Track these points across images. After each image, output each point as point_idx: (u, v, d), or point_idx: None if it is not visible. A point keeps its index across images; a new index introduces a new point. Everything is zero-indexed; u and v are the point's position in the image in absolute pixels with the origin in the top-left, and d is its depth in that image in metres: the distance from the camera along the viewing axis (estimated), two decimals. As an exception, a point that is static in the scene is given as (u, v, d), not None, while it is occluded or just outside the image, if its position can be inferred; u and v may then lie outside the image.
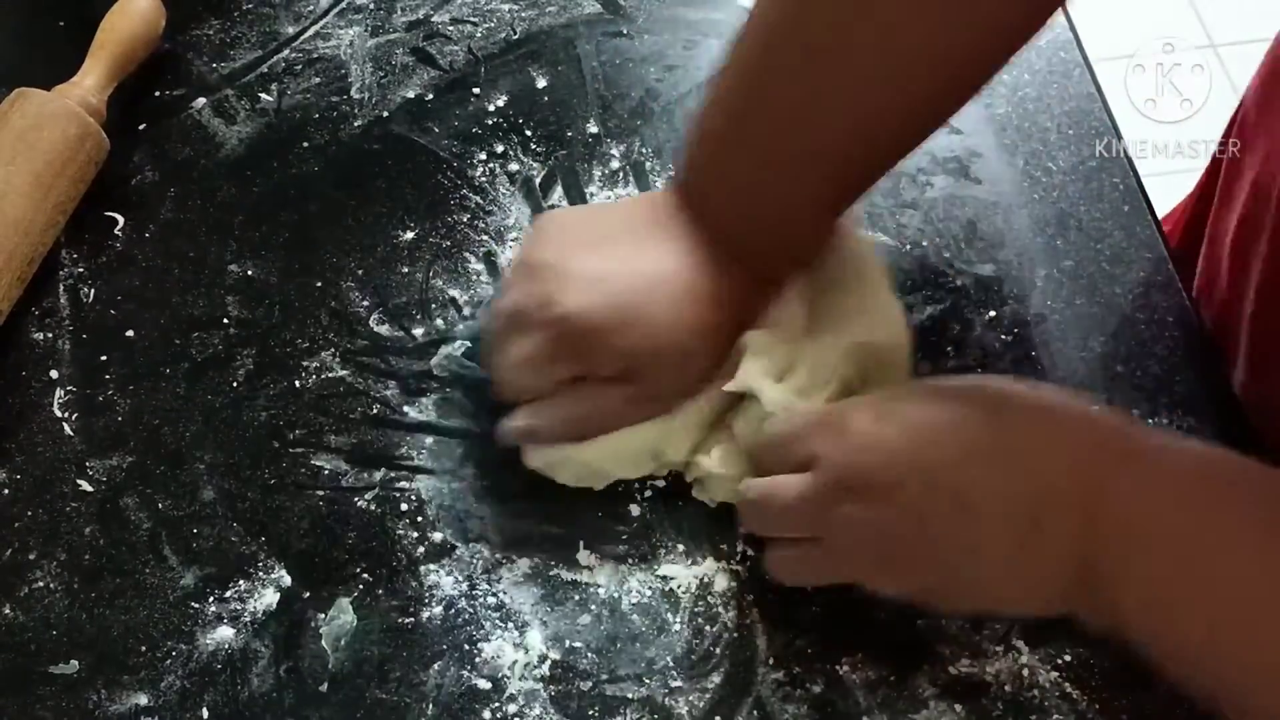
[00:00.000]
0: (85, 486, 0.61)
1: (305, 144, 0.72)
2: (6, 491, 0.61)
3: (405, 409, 0.63)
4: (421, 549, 0.58)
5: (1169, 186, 0.83)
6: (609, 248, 0.56)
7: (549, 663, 0.55)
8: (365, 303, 0.66)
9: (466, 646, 0.56)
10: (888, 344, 0.56)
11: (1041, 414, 0.48)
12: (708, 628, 0.55)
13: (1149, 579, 0.45)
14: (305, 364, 0.64)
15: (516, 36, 0.76)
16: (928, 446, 0.48)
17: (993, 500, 0.47)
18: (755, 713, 0.53)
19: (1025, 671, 0.54)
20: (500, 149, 0.71)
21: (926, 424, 0.49)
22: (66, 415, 0.63)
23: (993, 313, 0.63)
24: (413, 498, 0.60)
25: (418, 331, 0.65)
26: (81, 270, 0.68)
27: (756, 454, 0.55)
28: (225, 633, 0.57)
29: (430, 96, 0.74)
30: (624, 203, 0.67)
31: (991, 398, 0.49)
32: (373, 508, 0.60)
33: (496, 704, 0.54)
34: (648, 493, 0.59)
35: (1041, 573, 0.47)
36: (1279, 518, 0.45)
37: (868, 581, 0.52)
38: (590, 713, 0.54)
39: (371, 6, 0.78)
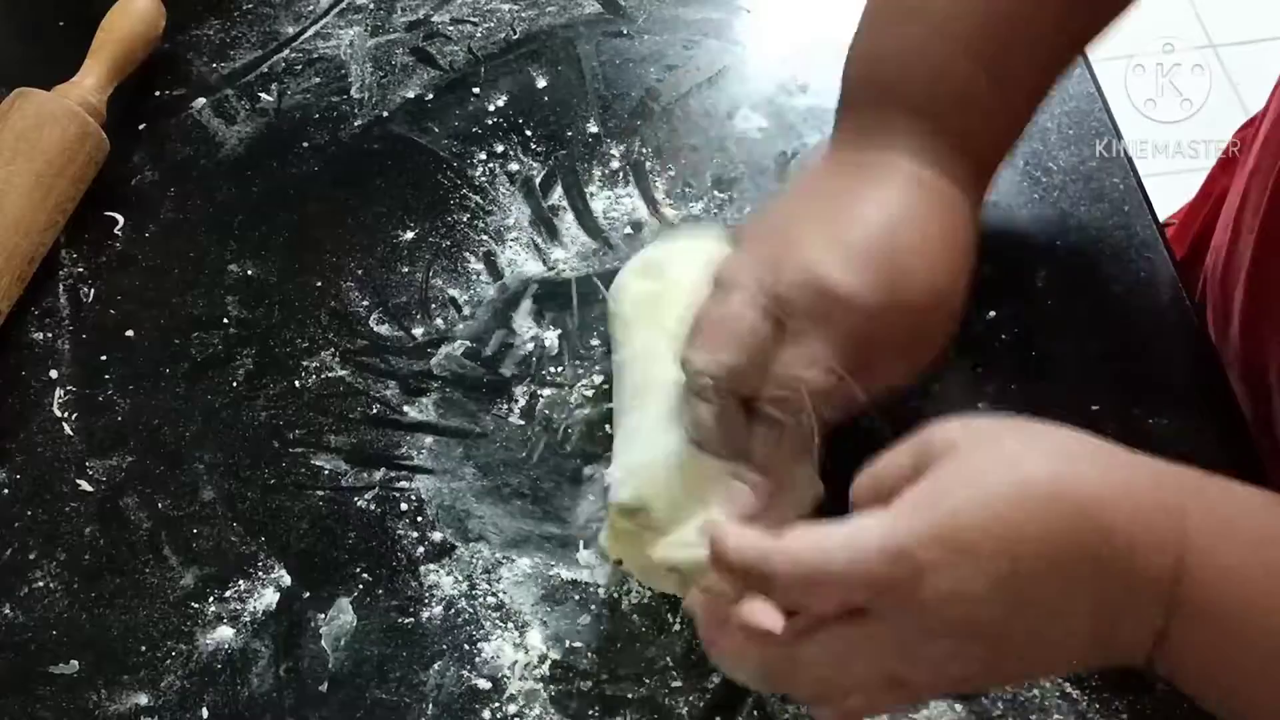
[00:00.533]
0: (85, 486, 0.61)
1: (305, 144, 0.72)
2: (6, 491, 0.61)
3: (405, 409, 0.63)
4: (421, 549, 0.58)
5: (1169, 186, 0.83)
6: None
7: (549, 663, 0.55)
8: (365, 303, 0.66)
9: (466, 646, 0.56)
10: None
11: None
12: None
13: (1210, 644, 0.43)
14: (305, 364, 0.64)
15: (516, 36, 0.76)
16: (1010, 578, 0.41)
17: (1070, 614, 0.43)
18: (755, 713, 0.53)
19: (1025, 671, 0.54)
20: (500, 149, 0.71)
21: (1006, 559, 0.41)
22: (66, 415, 0.63)
23: (993, 313, 0.63)
24: (413, 498, 0.60)
25: (418, 331, 0.65)
26: (81, 270, 0.68)
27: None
28: (225, 633, 0.57)
29: (430, 96, 0.74)
30: (807, 180, 0.59)
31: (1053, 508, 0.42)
32: (373, 508, 0.60)
33: (496, 704, 0.54)
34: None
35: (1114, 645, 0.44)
36: None
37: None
38: (590, 713, 0.54)
39: (371, 6, 0.78)
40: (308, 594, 0.57)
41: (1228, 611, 0.42)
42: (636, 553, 0.53)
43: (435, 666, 0.55)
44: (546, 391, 0.62)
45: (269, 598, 0.57)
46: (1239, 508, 0.45)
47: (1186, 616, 0.42)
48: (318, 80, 0.75)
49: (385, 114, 0.73)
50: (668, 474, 0.51)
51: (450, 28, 0.77)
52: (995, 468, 0.42)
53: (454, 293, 0.66)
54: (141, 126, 0.73)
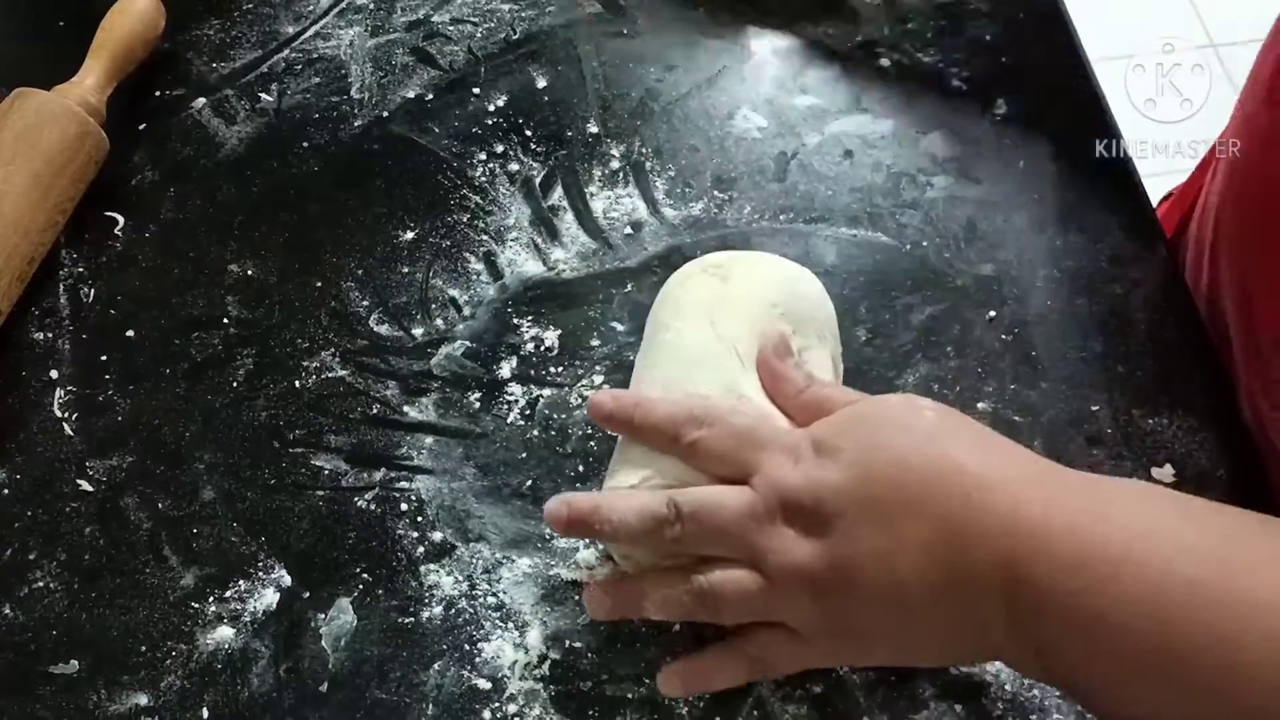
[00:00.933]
0: (85, 486, 0.61)
1: (305, 144, 0.72)
2: (6, 491, 0.61)
3: (405, 409, 0.63)
4: (421, 549, 0.58)
5: (1169, 187, 0.83)
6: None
7: (549, 663, 0.55)
8: (365, 303, 0.66)
9: (466, 646, 0.56)
10: None
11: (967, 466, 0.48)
12: (708, 628, 0.55)
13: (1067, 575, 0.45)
14: (305, 364, 0.64)
15: (516, 36, 0.76)
16: (870, 486, 0.48)
17: (916, 548, 0.47)
18: (755, 713, 0.53)
19: (1025, 671, 0.54)
20: (500, 149, 0.71)
21: (874, 464, 0.48)
22: (66, 415, 0.63)
23: (993, 313, 0.63)
24: (413, 498, 0.60)
25: (418, 331, 0.65)
26: (81, 270, 0.68)
27: (693, 455, 0.52)
28: (225, 633, 0.57)
29: (430, 96, 0.74)
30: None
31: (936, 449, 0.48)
32: (373, 508, 0.60)
33: (496, 704, 0.54)
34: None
35: (967, 616, 0.47)
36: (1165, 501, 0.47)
37: (796, 619, 0.50)
38: (590, 713, 0.54)
39: (371, 6, 0.78)
40: (308, 594, 0.57)
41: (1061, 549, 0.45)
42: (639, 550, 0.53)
43: (435, 666, 0.55)
44: (546, 391, 0.62)
45: (269, 598, 0.57)
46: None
47: (1027, 551, 0.45)
48: (318, 80, 0.75)
49: (385, 114, 0.73)
50: (674, 467, 0.52)
51: (450, 28, 0.77)
52: (886, 408, 0.51)
53: (454, 293, 0.66)
54: (141, 126, 0.73)
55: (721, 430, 0.51)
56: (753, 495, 0.50)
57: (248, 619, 0.57)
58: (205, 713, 0.55)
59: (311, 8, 0.78)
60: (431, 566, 0.58)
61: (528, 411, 0.62)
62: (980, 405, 0.60)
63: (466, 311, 0.66)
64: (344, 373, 0.64)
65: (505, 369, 0.63)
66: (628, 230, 0.68)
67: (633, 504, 0.51)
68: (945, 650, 0.50)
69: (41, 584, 0.58)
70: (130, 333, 0.66)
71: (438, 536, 0.59)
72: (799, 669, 0.53)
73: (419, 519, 0.59)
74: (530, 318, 0.65)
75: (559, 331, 0.64)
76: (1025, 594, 0.45)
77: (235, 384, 0.64)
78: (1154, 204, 0.69)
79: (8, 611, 0.58)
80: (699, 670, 0.53)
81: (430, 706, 0.54)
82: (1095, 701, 0.48)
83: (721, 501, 0.50)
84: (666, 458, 0.53)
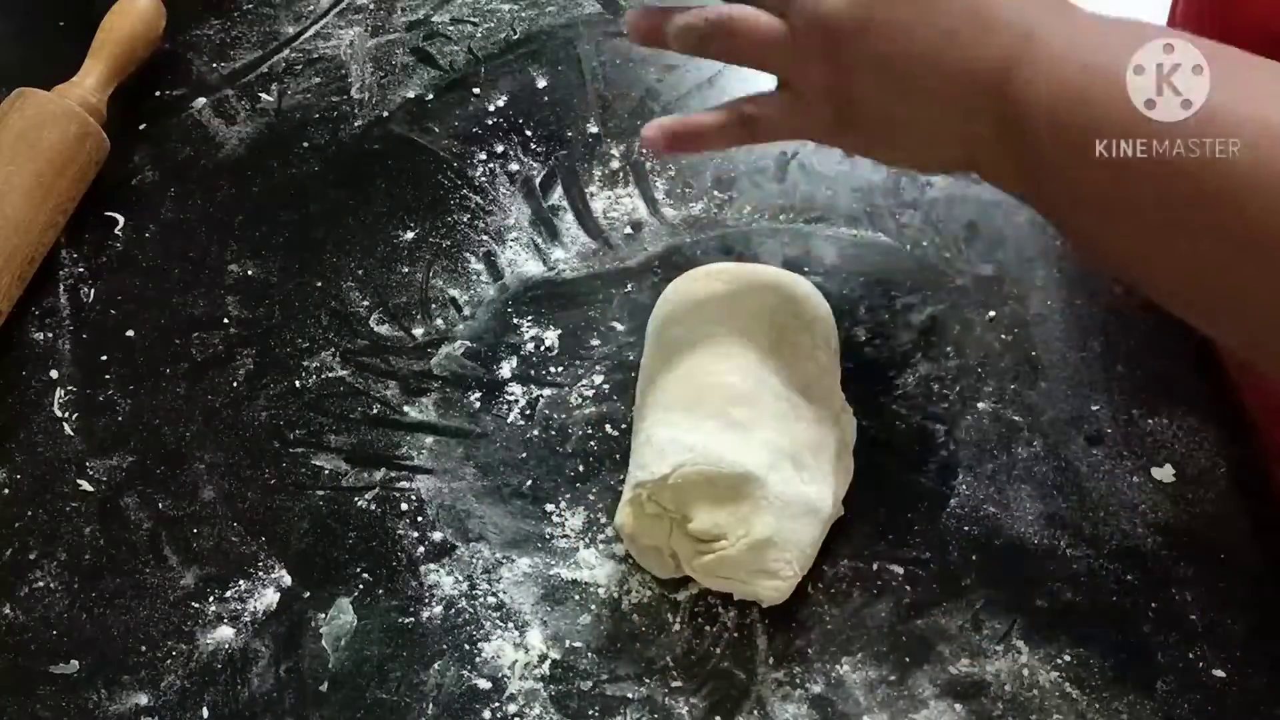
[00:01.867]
0: (85, 486, 0.61)
1: (305, 144, 0.72)
2: (6, 491, 0.61)
3: (405, 409, 0.63)
4: (421, 549, 0.58)
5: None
6: None
7: (549, 663, 0.55)
8: (365, 303, 0.66)
9: (466, 646, 0.56)
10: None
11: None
12: (708, 628, 0.55)
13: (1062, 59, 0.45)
14: (305, 364, 0.64)
15: (516, 36, 0.76)
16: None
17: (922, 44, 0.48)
18: (755, 713, 0.53)
19: (1025, 671, 0.54)
20: (500, 149, 0.71)
21: None
22: (66, 415, 0.63)
23: (993, 313, 0.63)
24: (413, 498, 0.60)
25: (418, 331, 0.65)
26: (81, 270, 0.68)
27: None
28: (225, 633, 0.57)
29: (430, 96, 0.74)
30: None
31: None
32: (373, 508, 0.60)
33: (496, 704, 0.54)
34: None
35: (959, 104, 0.48)
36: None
37: (802, 74, 0.52)
38: (590, 713, 0.54)
39: (371, 6, 0.78)
40: (308, 594, 0.57)
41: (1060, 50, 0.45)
42: (650, 531, 0.54)
43: (435, 666, 0.55)
44: (546, 391, 0.62)
45: (269, 598, 0.57)
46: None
47: (1029, 62, 0.45)
48: (318, 80, 0.75)
49: (385, 114, 0.73)
50: (706, 456, 0.53)
51: (450, 28, 0.77)
52: None
53: (454, 293, 0.66)
54: (141, 126, 0.73)
55: None
56: None
57: (248, 619, 0.57)
58: (205, 713, 0.55)
59: (311, 8, 0.78)
60: (431, 566, 0.58)
61: (528, 411, 0.62)
62: (980, 405, 0.60)
63: (466, 311, 0.66)
64: (344, 373, 0.64)
65: (505, 369, 0.63)
66: (628, 230, 0.68)
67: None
68: (927, 142, 0.51)
69: (41, 584, 0.58)
70: (130, 333, 0.66)
71: (438, 536, 0.59)
72: (788, 136, 0.56)
73: (419, 519, 0.59)
74: (530, 318, 0.65)
75: (559, 331, 0.64)
76: (1011, 93, 0.46)
77: (235, 384, 0.64)
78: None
79: (8, 611, 0.58)
80: (689, 124, 0.55)
81: (430, 706, 0.54)
82: (1070, 232, 0.49)
83: None
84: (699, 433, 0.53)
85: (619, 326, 0.64)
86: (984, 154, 0.49)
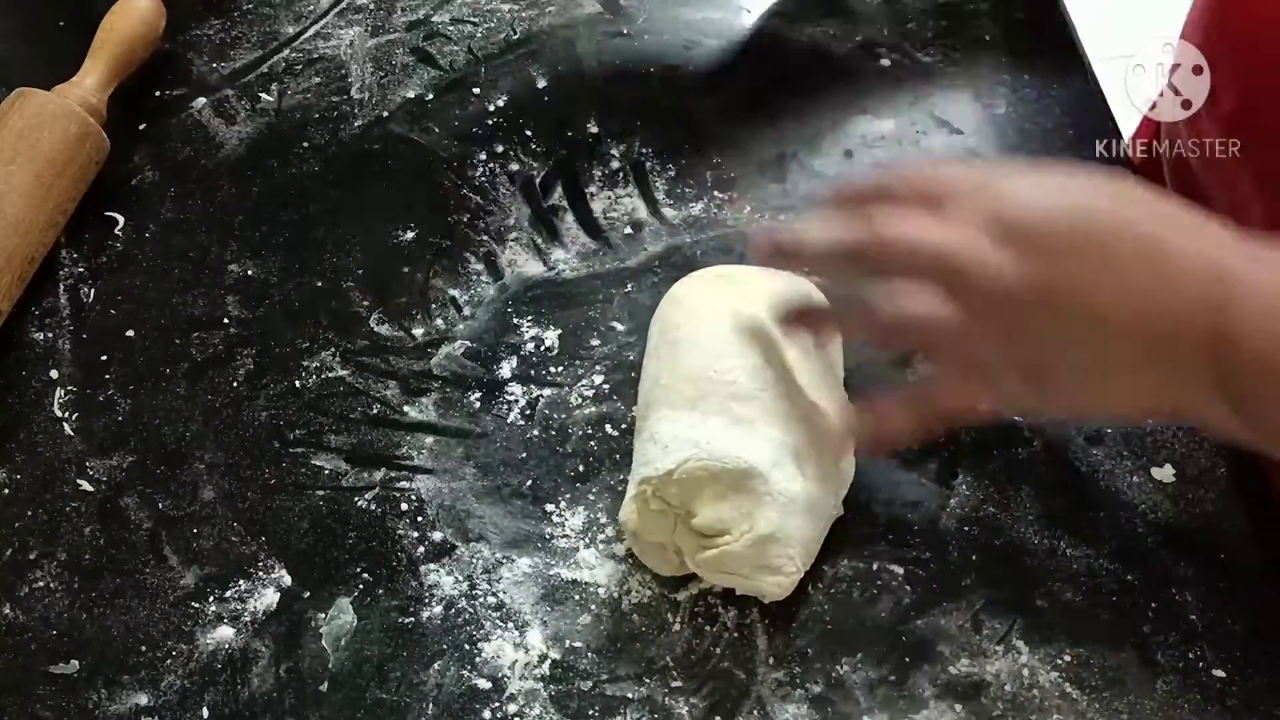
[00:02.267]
0: (85, 486, 0.61)
1: (305, 144, 0.72)
2: (6, 491, 0.61)
3: (405, 409, 0.63)
4: (421, 549, 0.58)
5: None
6: None
7: (549, 663, 0.55)
8: (365, 303, 0.66)
9: (466, 646, 0.56)
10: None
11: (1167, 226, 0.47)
12: (708, 628, 0.55)
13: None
14: (305, 364, 0.64)
15: (516, 36, 0.76)
16: (1090, 213, 0.47)
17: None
18: (755, 713, 0.53)
19: (1025, 671, 0.54)
20: (500, 149, 0.71)
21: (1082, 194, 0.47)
22: (66, 415, 0.63)
23: (993, 313, 0.63)
24: (413, 498, 0.60)
25: (418, 331, 0.65)
26: (81, 270, 0.68)
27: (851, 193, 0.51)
28: (225, 633, 0.57)
29: (430, 96, 0.74)
30: None
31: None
32: (373, 508, 0.60)
33: (496, 704, 0.54)
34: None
35: (1165, 356, 0.46)
36: None
37: (979, 352, 0.48)
38: (590, 713, 0.54)
39: (371, 6, 0.78)
40: (308, 594, 0.57)
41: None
42: (654, 527, 0.54)
43: (435, 666, 0.55)
44: (546, 391, 0.62)
45: (269, 598, 0.57)
46: None
47: (1239, 297, 0.44)
48: (318, 80, 0.75)
49: (385, 114, 0.73)
50: (710, 453, 0.53)
51: (450, 28, 0.77)
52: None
53: (454, 293, 0.66)
54: (141, 126, 0.73)
55: (902, 185, 0.50)
56: (956, 221, 0.48)
57: (248, 619, 0.57)
58: (205, 713, 0.55)
59: (311, 8, 0.78)
60: (431, 566, 0.58)
61: (528, 411, 0.62)
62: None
63: (466, 311, 0.66)
64: (344, 373, 0.64)
65: (505, 369, 0.63)
66: (628, 230, 0.68)
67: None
68: (1132, 395, 0.48)
69: (41, 584, 0.58)
70: (130, 333, 0.66)
71: (438, 536, 0.59)
72: (969, 408, 0.52)
73: (419, 519, 0.59)
74: (530, 318, 0.65)
75: (559, 331, 0.64)
76: (1229, 339, 0.44)
77: (235, 384, 0.64)
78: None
79: (8, 611, 0.58)
80: (877, 412, 0.52)
81: (430, 706, 0.54)
82: None
83: (922, 223, 0.49)
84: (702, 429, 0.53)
85: (619, 326, 0.64)
86: (1198, 398, 0.47)
